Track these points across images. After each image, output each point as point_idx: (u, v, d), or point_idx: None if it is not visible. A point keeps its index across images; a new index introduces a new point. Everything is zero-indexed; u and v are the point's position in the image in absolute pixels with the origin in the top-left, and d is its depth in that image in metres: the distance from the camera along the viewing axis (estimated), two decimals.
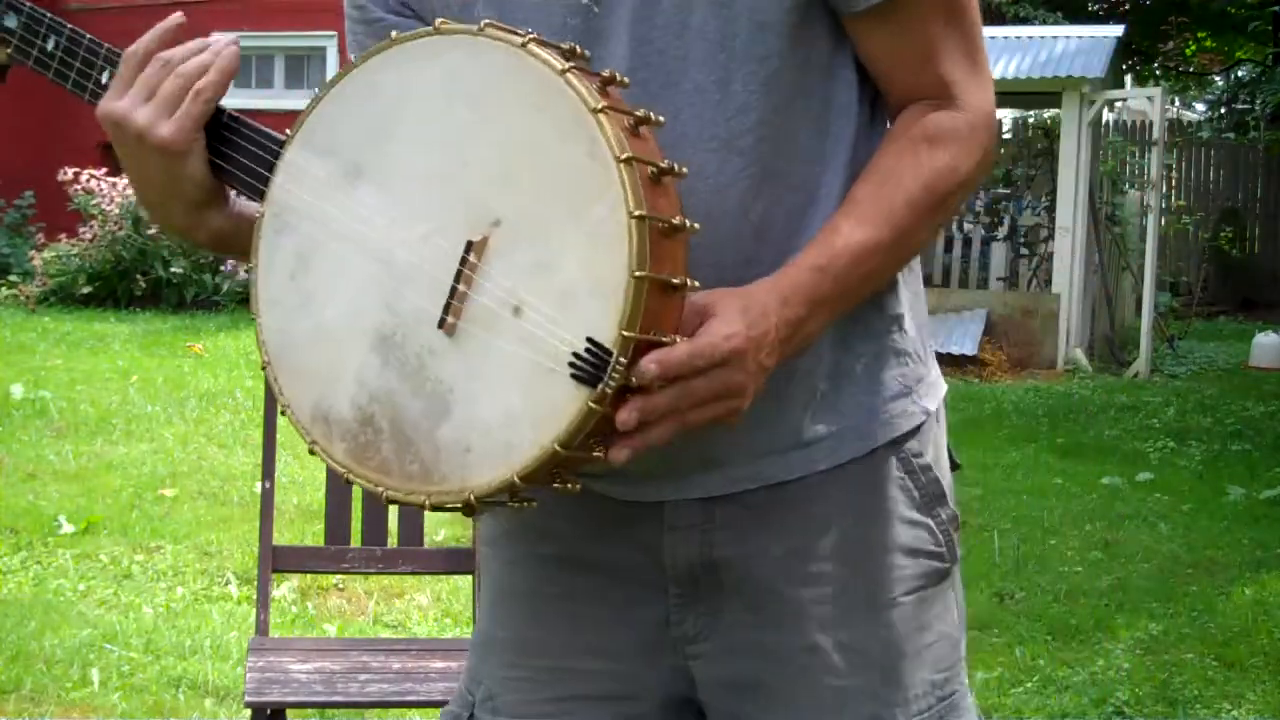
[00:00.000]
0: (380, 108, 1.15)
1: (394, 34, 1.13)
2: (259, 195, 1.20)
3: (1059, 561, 4.74)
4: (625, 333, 1.02)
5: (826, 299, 1.11)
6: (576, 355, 1.04)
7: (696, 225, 1.05)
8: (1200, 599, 4.32)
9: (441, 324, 1.09)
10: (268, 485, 2.71)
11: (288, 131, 1.19)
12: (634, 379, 1.02)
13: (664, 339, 1.04)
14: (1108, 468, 6.39)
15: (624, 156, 1.03)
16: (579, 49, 1.07)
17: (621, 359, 1.03)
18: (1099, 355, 10.42)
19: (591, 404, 1.03)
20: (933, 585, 1.26)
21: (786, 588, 1.20)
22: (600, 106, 1.05)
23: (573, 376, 1.04)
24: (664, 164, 1.06)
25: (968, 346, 9.48)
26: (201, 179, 1.20)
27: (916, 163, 1.16)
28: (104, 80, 1.29)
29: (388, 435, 1.12)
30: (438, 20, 1.09)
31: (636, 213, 1.03)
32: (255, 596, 2.76)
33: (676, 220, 1.06)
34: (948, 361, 9.44)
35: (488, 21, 1.07)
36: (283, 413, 1.17)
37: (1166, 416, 7.87)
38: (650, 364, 1.00)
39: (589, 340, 1.03)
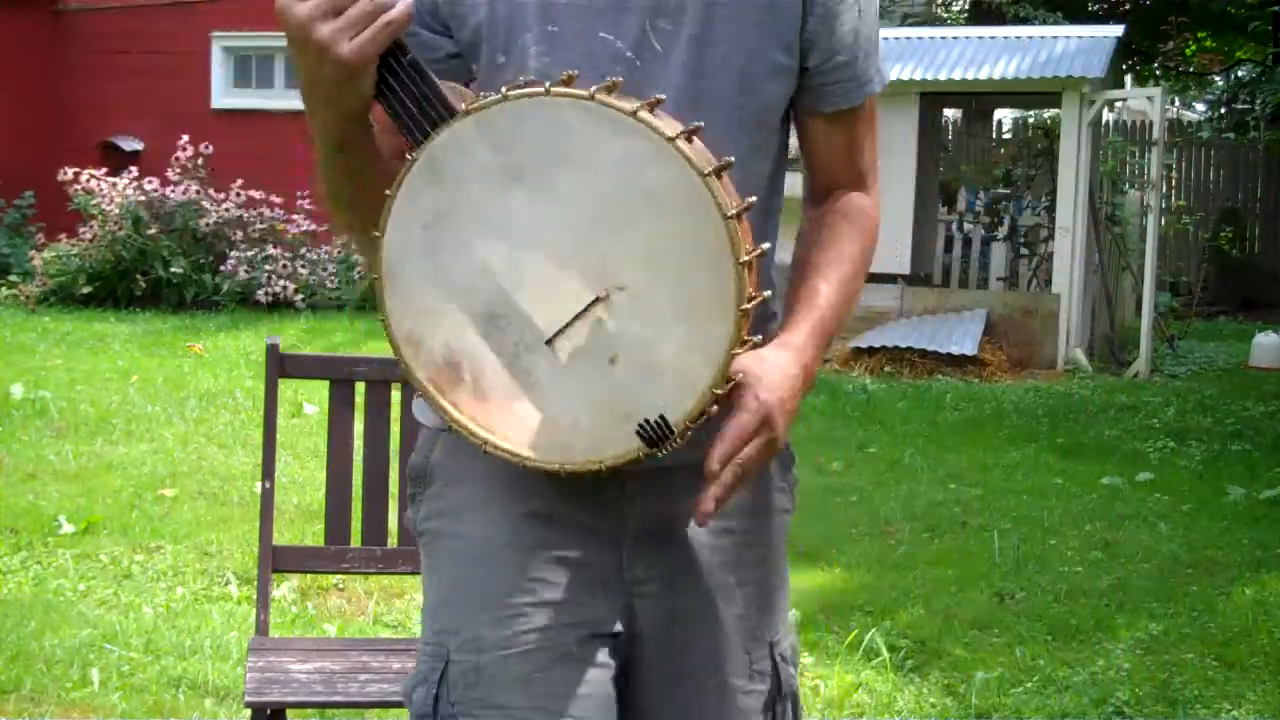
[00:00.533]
0: (560, 144, 1.30)
1: (597, 96, 1.29)
2: (410, 133, 1.32)
3: (1059, 561, 4.74)
4: (690, 423, 1.31)
5: (821, 347, 1.49)
6: (647, 421, 1.31)
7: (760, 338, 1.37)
8: (1200, 599, 4.32)
9: (550, 341, 1.32)
10: (268, 485, 2.71)
11: (463, 105, 1.32)
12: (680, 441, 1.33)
13: (711, 410, 1.32)
14: (1108, 468, 6.40)
15: (742, 306, 1.29)
16: (726, 162, 1.30)
17: (679, 439, 1.32)
18: (1099, 355, 10.42)
19: (643, 454, 1.32)
20: (786, 533, 1.70)
21: (710, 537, 1.53)
22: (734, 213, 1.27)
23: (637, 433, 1.31)
24: (757, 252, 1.32)
25: (968, 346, 9.48)
26: (365, 96, 1.33)
27: (852, 241, 1.58)
28: None
29: (468, 384, 1.35)
30: (637, 108, 1.28)
31: (734, 351, 1.30)
32: (255, 596, 2.76)
33: (759, 338, 1.36)
34: (948, 361, 9.45)
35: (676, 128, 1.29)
36: (382, 323, 1.37)
37: (1166, 416, 7.87)
38: (714, 464, 1.34)
39: (661, 416, 1.31)
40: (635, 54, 1.41)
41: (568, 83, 1.29)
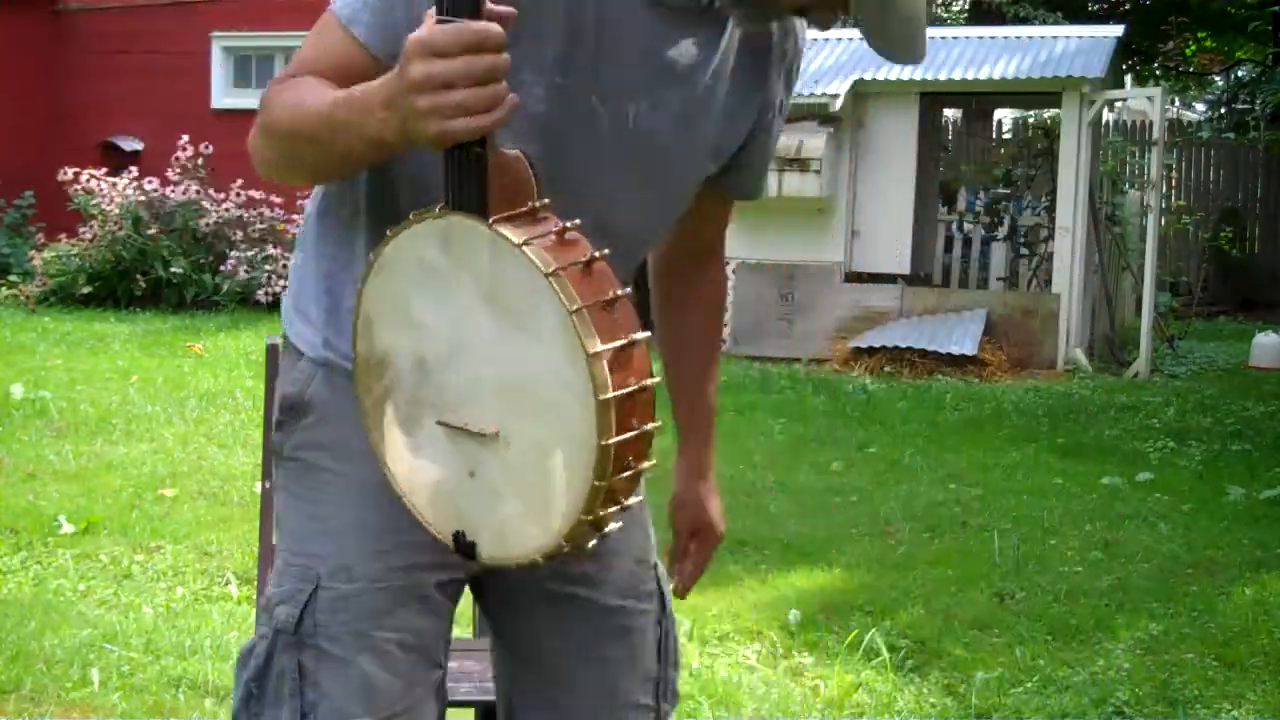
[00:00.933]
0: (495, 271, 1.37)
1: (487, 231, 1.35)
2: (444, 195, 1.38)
3: (1059, 561, 4.74)
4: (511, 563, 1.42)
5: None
6: (463, 534, 1.44)
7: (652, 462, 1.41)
8: (1200, 599, 4.32)
9: (439, 421, 1.43)
10: (268, 485, 2.70)
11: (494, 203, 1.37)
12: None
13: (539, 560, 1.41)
14: (1108, 468, 6.40)
15: (606, 442, 1.31)
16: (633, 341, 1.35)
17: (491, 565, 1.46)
18: (1099, 355, 10.42)
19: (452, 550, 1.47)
20: None
21: None
22: (607, 382, 1.30)
23: (454, 535, 1.44)
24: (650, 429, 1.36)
25: (968, 346, 9.48)
26: (379, 157, 1.41)
27: (718, 337, 1.91)
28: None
29: (381, 387, 1.48)
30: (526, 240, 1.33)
31: (583, 518, 1.34)
32: (255, 596, 2.76)
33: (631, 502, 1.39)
34: (948, 361, 9.45)
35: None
36: (357, 289, 1.47)
37: (1166, 416, 7.88)
38: (681, 594, 1.86)
39: (473, 542, 1.43)
40: (613, 129, 1.50)
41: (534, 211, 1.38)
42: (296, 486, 1.63)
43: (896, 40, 1.52)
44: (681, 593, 1.82)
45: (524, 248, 1.32)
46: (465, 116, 1.28)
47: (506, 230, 1.33)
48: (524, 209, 1.37)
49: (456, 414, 1.42)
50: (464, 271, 1.38)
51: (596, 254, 1.34)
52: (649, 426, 1.36)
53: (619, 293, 1.35)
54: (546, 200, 1.38)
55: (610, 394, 1.30)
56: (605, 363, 1.30)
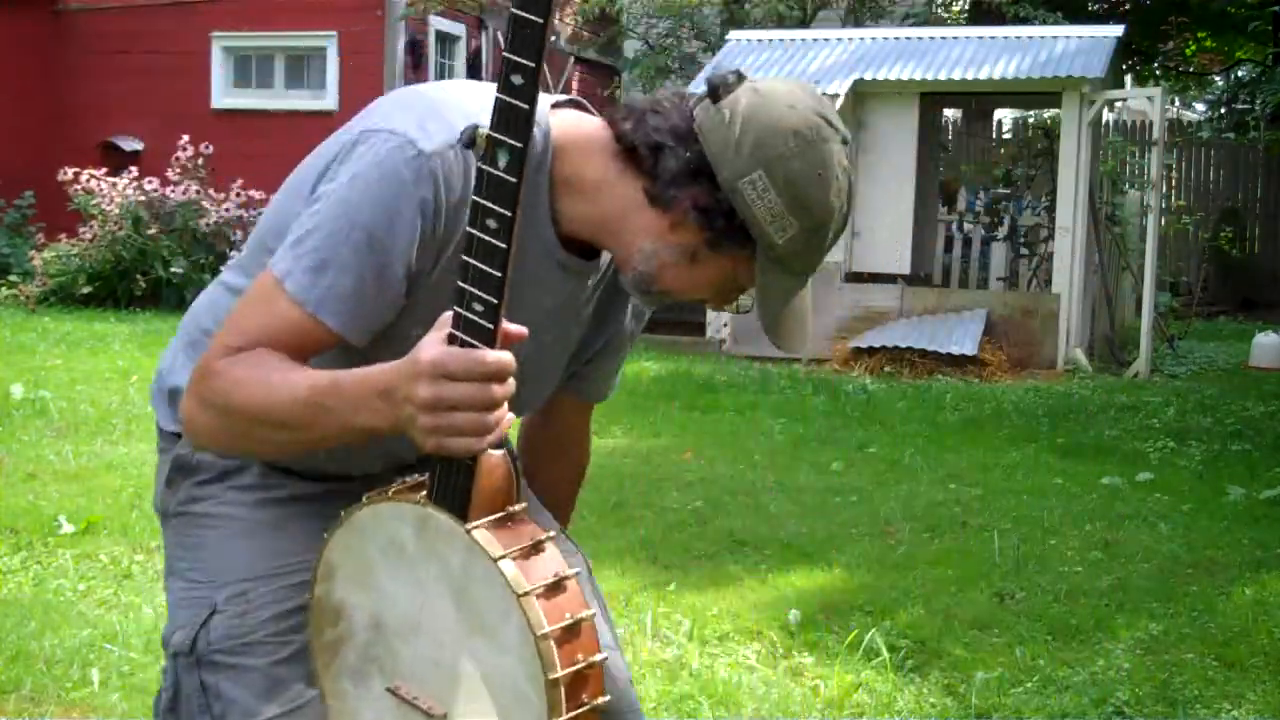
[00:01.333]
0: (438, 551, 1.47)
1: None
2: (429, 486, 1.48)
3: (1059, 561, 4.74)
4: None
5: None
6: None
7: None
8: (1200, 599, 4.32)
9: (389, 688, 1.52)
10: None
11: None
12: None
13: None
14: (1108, 468, 6.40)
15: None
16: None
17: None
18: (1099, 355, 10.42)
19: None
20: None
21: None
22: (561, 705, 1.39)
23: None
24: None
25: (968, 346, 9.48)
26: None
27: (574, 493, 2.03)
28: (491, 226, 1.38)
29: (334, 634, 1.57)
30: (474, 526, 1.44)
31: None
32: None
33: None
34: (948, 361, 9.45)
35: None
36: (326, 532, 1.57)
37: (1166, 416, 7.88)
38: None
39: None
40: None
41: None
42: (184, 537, 1.70)
43: (787, 334, 1.62)
44: None
45: (499, 562, 1.39)
46: (464, 438, 1.36)
47: (483, 539, 1.41)
48: (502, 513, 1.44)
49: (406, 685, 1.50)
50: (434, 562, 1.46)
51: (568, 573, 1.43)
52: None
53: (584, 615, 1.42)
54: (524, 504, 1.46)
55: (562, 717, 1.39)
56: (563, 688, 1.39)
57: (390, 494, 1.48)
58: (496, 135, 1.32)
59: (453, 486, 1.42)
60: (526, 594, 1.38)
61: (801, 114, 1.53)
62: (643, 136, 1.54)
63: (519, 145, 1.31)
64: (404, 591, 1.49)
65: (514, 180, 1.32)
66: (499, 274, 1.33)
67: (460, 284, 1.35)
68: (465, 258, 1.35)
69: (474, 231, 1.34)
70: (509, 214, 1.32)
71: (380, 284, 1.49)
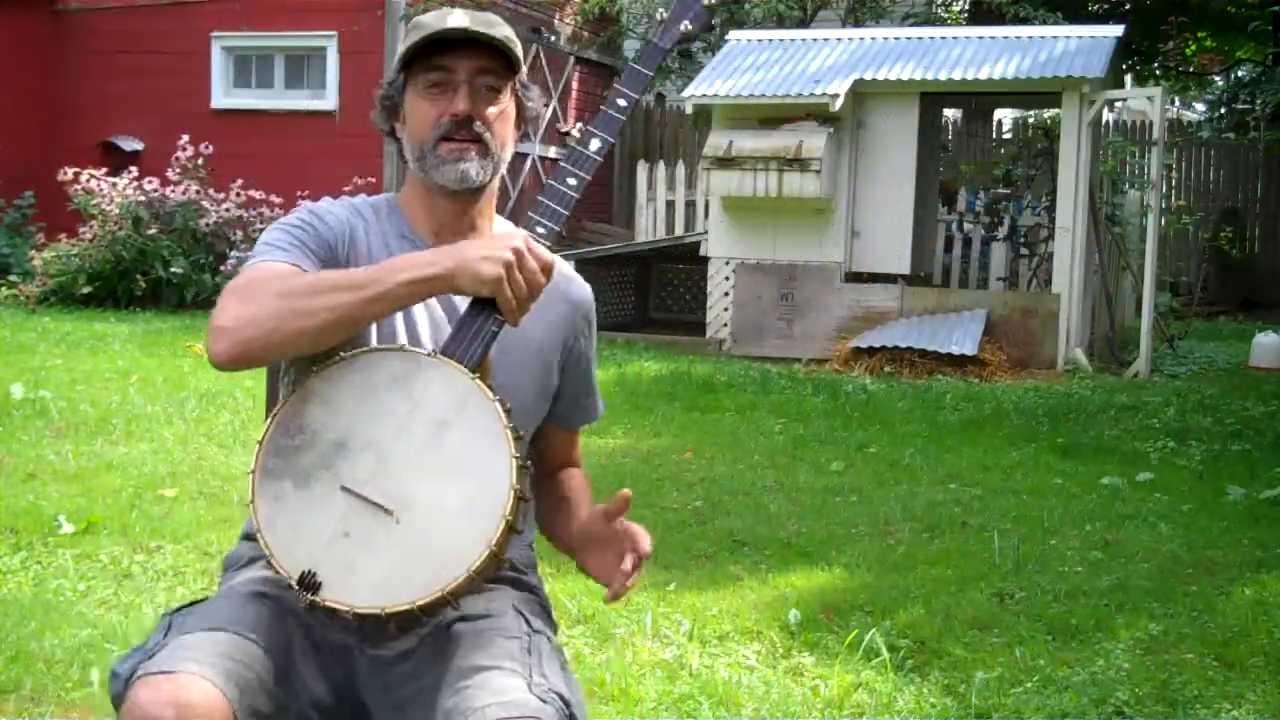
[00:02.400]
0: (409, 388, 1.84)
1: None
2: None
3: (1059, 561, 4.74)
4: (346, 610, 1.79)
5: None
6: (312, 573, 1.78)
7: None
8: (1200, 599, 4.32)
9: (343, 487, 1.80)
10: None
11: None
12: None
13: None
14: (1108, 468, 6.40)
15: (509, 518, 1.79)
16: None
17: (322, 609, 1.81)
18: (1099, 355, 10.42)
19: (293, 586, 1.79)
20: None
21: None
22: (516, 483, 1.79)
23: (302, 573, 1.78)
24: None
25: (968, 346, 9.48)
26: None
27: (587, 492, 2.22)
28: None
29: (292, 446, 1.83)
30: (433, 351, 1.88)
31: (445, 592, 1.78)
32: None
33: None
34: (948, 361, 9.45)
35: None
36: (301, 372, 1.91)
37: (1166, 416, 7.88)
38: (609, 600, 1.94)
39: (317, 582, 1.78)
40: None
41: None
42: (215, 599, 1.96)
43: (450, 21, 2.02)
44: (609, 598, 1.94)
45: (496, 403, 1.81)
46: (519, 295, 1.78)
47: (484, 387, 1.83)
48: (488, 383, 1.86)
49: (364, 487, 1.78)
50: (420, 398, 1.81)
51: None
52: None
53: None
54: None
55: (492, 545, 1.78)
56: (508, 526, 1.79)
57: (395, 348, 1.88)
58: (592, 129, 1.95)
59: (472, 350, 1.84)
60: (510, 427, 1.80)
61: None
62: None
63: (610, 140, 1.96)
64: (377, 419, 1.80)
65: (598, 160, 1.94)
66: (565, 211, 1.92)
67: (530, 214, 1.92)
68: (541, 198, 1.92)
69: (553, 183, 1.93)
70: (586, 177, 1.94)
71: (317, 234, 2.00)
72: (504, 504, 1.76)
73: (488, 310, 1.83)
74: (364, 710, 1.93)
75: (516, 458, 1.78)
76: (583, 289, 2.17)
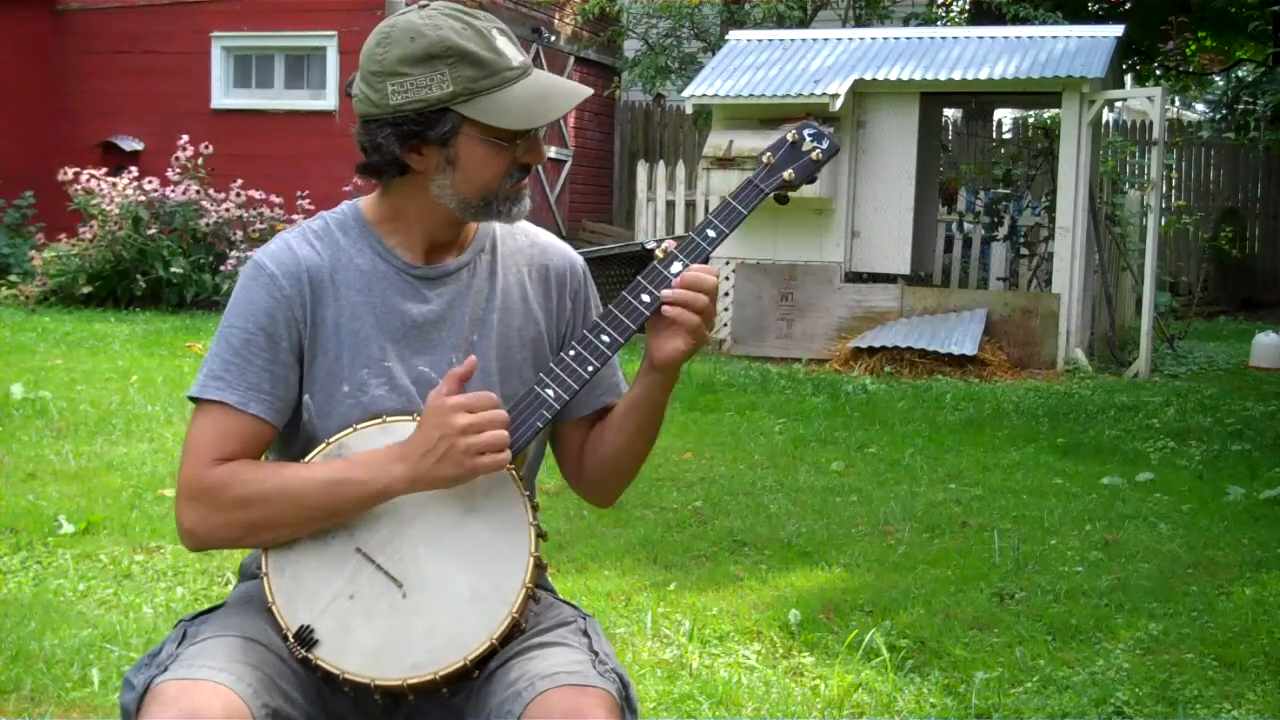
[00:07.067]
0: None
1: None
2: None
3: (1059, 561, 4.74)
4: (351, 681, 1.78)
5: None
6: (310, 629, 1.78)
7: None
8: (1200, 599, 4.32)
9: (357, 549, 1.82)
10: None
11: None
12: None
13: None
14: (1108, 468, 6.40)
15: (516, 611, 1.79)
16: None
17: (331, 677, 1.78)
18: (1099, 355, 10.43)
19: (289, 636, 1.78)
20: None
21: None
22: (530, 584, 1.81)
23: (300, 626, 1.78)
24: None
25: (968, 346, 9.48)
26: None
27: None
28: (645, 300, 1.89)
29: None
30: None
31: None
32: None
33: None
34: (948, 361, 9.45)
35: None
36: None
37: (1166, 416, 7.88)
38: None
39: (311, 637, 1.78)
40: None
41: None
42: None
43: (558, 106, 1.87)
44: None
45: (525, 498, 1.83)
46: (495, 454, 1.74)
47: (517, 478, 1.84)
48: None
49: (378, 553, 1.80)
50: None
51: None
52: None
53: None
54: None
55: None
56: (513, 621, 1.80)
57: None
58: (676, 254, 1.87)
59: (510, 441, 1.81)
60: (532, 531, 1.82)
61: (377, 36, 1.85)
62: (361, 163, 1.93)
63: (689, 262, 1.87)
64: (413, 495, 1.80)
65: (673, 279, 1.86)
66: (635, 328, 1.88)
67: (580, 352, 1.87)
68: (612, 307, 1.87)
69: (628, 296, 1.86)
70: (659, 295, 1.86)
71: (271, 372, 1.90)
72: (513, 601, 1.77)
73: (536, 403, 1.83)
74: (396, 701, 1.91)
75: (535, 556, 1.79)
76: (562, 255, 2.05)
